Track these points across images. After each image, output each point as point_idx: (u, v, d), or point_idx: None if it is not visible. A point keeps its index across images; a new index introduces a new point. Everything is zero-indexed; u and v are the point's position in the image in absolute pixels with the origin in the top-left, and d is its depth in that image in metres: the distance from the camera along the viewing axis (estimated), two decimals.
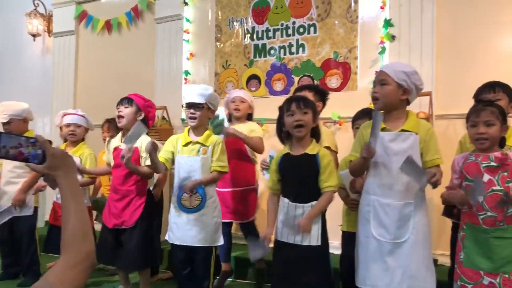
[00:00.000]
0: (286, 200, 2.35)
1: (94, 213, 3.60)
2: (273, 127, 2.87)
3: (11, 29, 5.86)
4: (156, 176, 3.22)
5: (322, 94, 2.91)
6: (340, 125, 3.80)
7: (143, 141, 2.77)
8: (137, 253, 2.82)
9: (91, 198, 3.56)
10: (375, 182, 2.18)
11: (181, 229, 2.69)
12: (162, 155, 2.75)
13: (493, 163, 2.07)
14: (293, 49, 4.12)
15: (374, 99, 2.22)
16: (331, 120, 3.80)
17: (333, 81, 3.95)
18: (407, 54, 3.59)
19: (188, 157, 2.71)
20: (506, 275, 2.00)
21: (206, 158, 2.70)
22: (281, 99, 2.49)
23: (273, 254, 2.41)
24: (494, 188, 2.04)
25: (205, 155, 2.70)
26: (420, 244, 2.11)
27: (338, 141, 2.85)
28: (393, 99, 2.17)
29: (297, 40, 4.10)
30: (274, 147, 3.04)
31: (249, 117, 3.37)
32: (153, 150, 2.54)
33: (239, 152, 3.20)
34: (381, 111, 2.16)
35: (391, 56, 3.65)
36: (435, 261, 3.08)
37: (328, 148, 2.71)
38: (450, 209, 2.53)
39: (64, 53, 5.33)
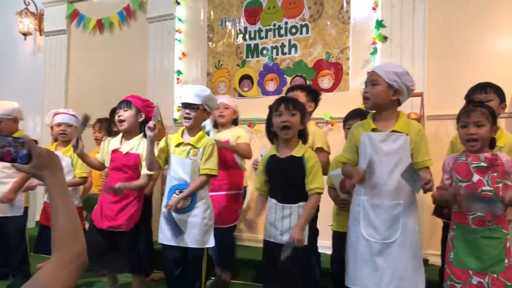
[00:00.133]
0: (274, 200, 2.36)
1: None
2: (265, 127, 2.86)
3: (2, 27, 5.78)
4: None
5: (314, 94, 2.91)
6: (332, 125, 3.80)
7: (144, 148, 2.73)
8: (136, 256, 2.80)
9: (82, 197, 3.53)
10: (365, 183, 2.19)
11: (171, 230, 2.67)
12: (156, 154, 2.73)
13: (483, 164, 2.08)
14: (286, 50, 4.12)
15: (365, 98, 2.24)
16: (323, 120, 3.80)
17: (325, 82, 3.95)
18: (399, 55, 3.60)
19: (179, 158, 2.69)
20: (495, 275, 2.02)
21: (196, 160, 2.67)
22: (273, 99, 2.48)
23: (262, 254, 2.43)
24: (484, 188, 2.06)
25: (195, 157, 2.67)
26: (409, 245, 2.12)
27: (330, 141, 2.85)
28: (383, 99, 2.18)
29: (290, 40, 4.11)
30: (266, 147, 3.03)
31: (235, 121, 3.34)
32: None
33: (224, 160, 3.11)
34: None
35: (383, 57, 3.66)
36: (426, 261, 3.10)
37: (321, 149, 2.71)
38: (440, 209, 2.55)
39: (56, 52, 5.29)
